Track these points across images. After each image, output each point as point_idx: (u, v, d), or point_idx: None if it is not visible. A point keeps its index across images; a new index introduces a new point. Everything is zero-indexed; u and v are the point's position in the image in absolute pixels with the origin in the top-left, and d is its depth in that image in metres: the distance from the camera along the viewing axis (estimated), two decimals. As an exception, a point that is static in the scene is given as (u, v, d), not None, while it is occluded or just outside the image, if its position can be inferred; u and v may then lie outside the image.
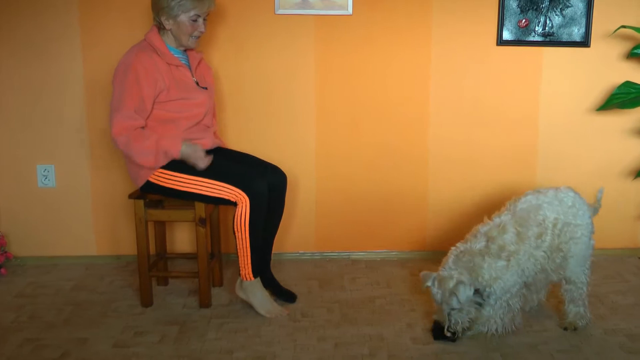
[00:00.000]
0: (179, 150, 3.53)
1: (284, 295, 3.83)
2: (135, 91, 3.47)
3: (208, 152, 3.72)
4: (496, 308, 3.33)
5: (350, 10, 4.24)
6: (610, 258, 4.58)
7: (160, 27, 3.64)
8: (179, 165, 3.58)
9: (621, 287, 4.11)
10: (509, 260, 3.26)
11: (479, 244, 3.32)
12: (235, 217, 3.56)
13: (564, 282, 3.48)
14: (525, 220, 3.33)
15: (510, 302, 3.35)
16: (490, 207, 4.45)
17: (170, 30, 3.61)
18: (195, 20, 3.59)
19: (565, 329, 3.52)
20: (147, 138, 3.50)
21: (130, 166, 3.69)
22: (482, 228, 3.39)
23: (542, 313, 3.70)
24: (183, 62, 3.70)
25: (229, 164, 3.70)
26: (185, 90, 3.62)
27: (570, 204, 3.39)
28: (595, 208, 3.60)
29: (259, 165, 3.82)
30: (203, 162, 3.55)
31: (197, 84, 3.73)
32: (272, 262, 3.92)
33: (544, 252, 3.32)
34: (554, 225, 3.33)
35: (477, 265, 3.27)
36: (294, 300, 3.84)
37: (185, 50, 3.75)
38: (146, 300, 3.80)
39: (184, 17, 3.56)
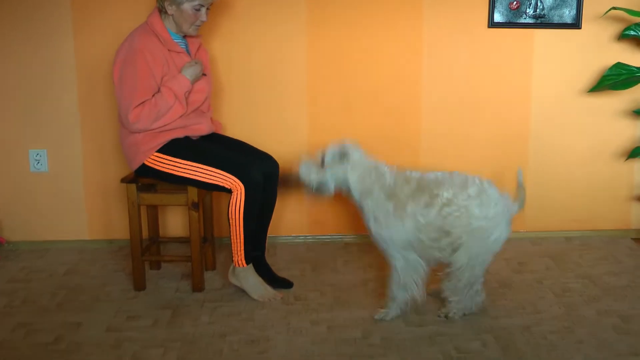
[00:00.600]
0: (188, 80, 3.58)
1: (279, 283, 3.82)
2: (147, 76, 3.48)
3: (204, 137, 3.72)
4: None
5: (342, -8, 4.24)
6: (604, 239, 4.61)
7: (162, 11, 3.63)
8: (176, 150, 3.59)
9: (614, 268, 4.12)
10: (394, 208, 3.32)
11: (386, 179, 3.38)
12: (230, 204, 3.56)
13: (449, 264, 3.40)
14: (425, 186, 3.34)
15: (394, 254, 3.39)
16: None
17: (172, 15, 3.60)
18: (198, 10, 3.58)
19: (439, 316, 3.47)
20: (159, 97, 3.51)
21: (126, 149, 3.68)
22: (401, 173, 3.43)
23: (535, 294, 3.72)
24: (182, 47, 3.70)
25: (225, 151, 3.70)
26: None
27: (474, 194, 3.30)
28: (520, 201, 3.52)
29: (253, 154, 3.81)
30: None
31: None
32: (266, 245, 3.92)
33: (425, 223, 3.30)
34: (445, 205, 3.28)
35: (372, 176, 3.38)
36: (290, 287, 3.84)
37: (184, 36, 3.74)
38: (139, 285, 3.81)
39: (187, 6, 3.55)
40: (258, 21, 4.29)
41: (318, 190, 3.41)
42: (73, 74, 4.29)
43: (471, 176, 3.36)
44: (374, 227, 3.39)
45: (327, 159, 3.37)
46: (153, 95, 3.51)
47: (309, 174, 3.39)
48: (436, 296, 3.58)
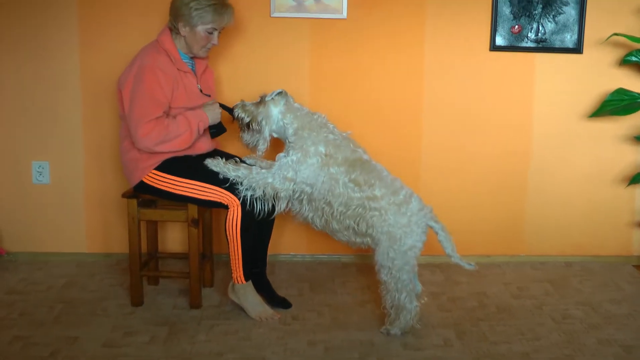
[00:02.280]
0: (207, 117, 3.63)
1: (278, 303, 3.82)
2: (159, 92, 3.49)
3: (205, 155, 3.73)
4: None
5: (344, 14, 4.26)
6: (604, 265, 4.58)
7: (174, 31, 3.66)
8: (173, 168, 3.60)
9: (616, 295, 4.09)
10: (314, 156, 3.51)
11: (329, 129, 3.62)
12: (227, 220, 3.56)
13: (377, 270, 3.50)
14: (365, 169, 3.53)
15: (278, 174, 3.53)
16: (482, 210, 4.48)
17: (184, 37, 3.63)
18: (210, 33, 3.63)
19: (381, 332, 3.53)
20: (172, 122, 3.53)
21: (125, 165, 3.70)
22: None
23: (535, 320, 3.71)
24: (190, 67, 3.72)
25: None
26: (188, 100, 3.64)
27: (397, 202, 3.46)
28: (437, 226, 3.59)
29: None
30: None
31: (201, 91, 3.75)
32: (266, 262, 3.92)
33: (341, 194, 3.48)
34: (370, 198, 3.45)
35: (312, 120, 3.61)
36: (289, 307, 3.83)
37: (193, 56, 3.76)
38: (136, 300, 3.80)
39: (200, 28, 3.59)
40: (263, 44, 4.32)
41: (250, 128, 3.63)
42: (78, 89, 4.31)
43: (407, 188, 3.54)
44: (292, 156, 3.53)
45: (267, 97, 3.61)
46: (165, 113, 3.53)
47: (244, 111, 3.63)
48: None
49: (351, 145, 3.62)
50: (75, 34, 4.25)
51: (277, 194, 3.53)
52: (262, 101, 3.65)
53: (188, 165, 3.63)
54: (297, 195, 3.56)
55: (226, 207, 3.57)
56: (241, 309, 3.69)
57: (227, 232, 3.58)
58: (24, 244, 4.50)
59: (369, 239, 3.51)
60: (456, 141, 4.47)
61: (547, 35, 4.34)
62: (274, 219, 3.85)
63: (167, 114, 3.57)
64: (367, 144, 4.35)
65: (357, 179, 3.48)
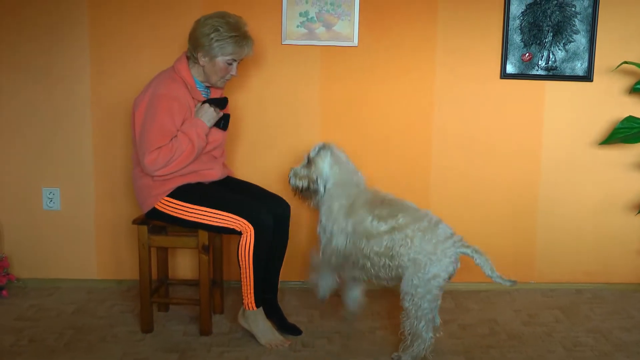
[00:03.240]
0: (202, 121, 3.61)
1: (289, 329, 3.81)
2: (169, 121, 3.51)
3: (217, 182, 3.74)
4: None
5: (355, 42, 4.28)
6: (615, 293, 4.57)
7: (191, 59, 3.67)
8: (186, 195, 3.61)
9: (626, 323, 4.08)
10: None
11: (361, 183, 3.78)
12: (240, 246, 3.57)
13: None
14: (388, 203, 3.64)
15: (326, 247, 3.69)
16: (492, 237, 4.47)
17: (203, 66, 3.64)
18: (230, 64, 3.64)
19: (392, 358, 3.56)
20: (175, 142, 3.53)
21: (138, 191, 3.71)
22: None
23: (545, 348, 3.68)
24: (204, 96, 3.74)
25: (235, 194, 3.73)
26: None
27: (422, 228, 3.49)
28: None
29: (264, 196, 3.83)
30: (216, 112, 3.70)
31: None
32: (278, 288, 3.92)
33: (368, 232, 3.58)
34: (395, 228, 3.52)
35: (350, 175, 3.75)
36: (299, 334, 3.82)
37: (208, 85, 3.77)
38: (146, 326, 3.80)
39: (220, 59, 3.60)
40: (274, 71, 4.35)
41: (307, 190, 3.73)
42: (88, 115, 4.34)
43: (431, 214, 3.59)
44: (324, 218, 3.69)
45: (311, 153, 3.70)
46: (171, 140, 3.54)
47: (298, 178, 3.74)
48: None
49: (375, 191, 3.75)
50: (87, 59, 4.29)
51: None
52: (309, 161, 3.74)
53: (201, 192, 3.65)
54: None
55: (239, 234, 3.57)
56: (251, 336, 3.69)
57: (240, 258, 3.58)
58: (35, 270, 4.50)
59: (400, 270, 3.51)
60: (466, 169, 4.48)
61: (557, 63, 4.35)
62: (286, 244, 3.86)
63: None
64: (377, 170, 4.39)
65: (381, 214, 3.55)
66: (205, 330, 3.77)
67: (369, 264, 3.57)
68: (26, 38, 4.25)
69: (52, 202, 4.42)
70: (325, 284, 3.82)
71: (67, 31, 4.26)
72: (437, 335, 3.60)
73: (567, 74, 4.38)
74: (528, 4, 4.30)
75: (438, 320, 3.68)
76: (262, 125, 4.36)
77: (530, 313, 4.17)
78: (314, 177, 3.69)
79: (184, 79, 3.62)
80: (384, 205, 3.60)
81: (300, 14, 4.26)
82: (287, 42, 4.28)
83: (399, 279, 3.53)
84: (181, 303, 4.03)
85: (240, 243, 3.56)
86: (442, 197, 4.48)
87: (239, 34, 3.59)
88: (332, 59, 4.33)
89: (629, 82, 4.39)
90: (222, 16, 3.60)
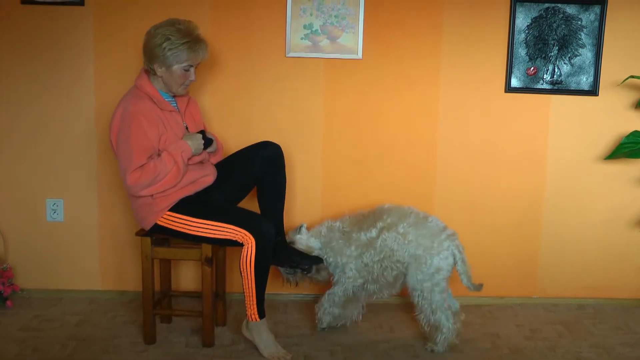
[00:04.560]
0: (189, 146, 3.61)
1: (307, 262, 3.89)
2: (142, 138, 3.49)
3: (211, 187, 3.78)
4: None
5: (360, 55, 4.29)
6: (618, 308, 4.55)
7: (150, 72, 3.67)
8: (186, 208, 3.62)
9: (629, 339, 4.06)
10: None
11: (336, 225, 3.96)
12: (241, 257, 3.57)
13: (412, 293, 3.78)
14: (370, 215, 3.88)
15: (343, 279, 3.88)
16: (495, 252, 4.47)
17: (161, 77, 3.64)
18: (187, 70, 3.63)
19: (426, 349, 3.78)
20: (159, 162, 3.52)
21: (137, 210, 3.70)
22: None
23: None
24: (173, 106, 3.74)
25: (236, 206, 3.77)
26: (177, 138, 3.64)
27: (412, 223, 3.73)
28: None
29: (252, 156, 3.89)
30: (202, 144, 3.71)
31: (187, 128, 3.77)
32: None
33: (364, 243, 3.80)
34: (384, 228, 3.75)
35: (324, 232, 3.95)
36: (310, 271, 3.95)
37: (174, 95, 3.78)
38: (149, 338, 3.80)
39: (177, 67, 3.59)
40: (278, 84, 4.35)
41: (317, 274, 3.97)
42: (92, 126, 4.35)
43: (416, 210, 3.84)
44: (332, 259, 3.88)
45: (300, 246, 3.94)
46: (151, 157, 3.53)
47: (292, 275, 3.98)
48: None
49: (350, 215, 4.00)
50: (91, 70, 4.31)
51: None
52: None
53: (201, 205, 3.66)
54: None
55: (241, 245, 3.57)
56: (254, 348, 3.69)
57: (242, 269, 3.58)
58: (38, 281, 4.51)
59: (399, 265, 3.71)
60: (470, 182, 4.48)
61: (562, 77, 4.35)
62: (284, 183, 3.91)
63: (158, 155, 3.58)
64: (381, 182, 4.40)
65: (367, 224, 3.78)
66: (207, 342, 3.77)
67: (375, 273, 3.76)
68: (31, 51, 4.27)
69: (55, 214, 4.43)
70: (333, 316, 3.99)
71: (73, 44, 4.27)
72: (462, 318, 3.83)
73: (572, 88, 4.37)
74: (534, 18, 4.30)
75: (456, 305, 3.92)
76: (265, 137, 4.34)
77: (533, 328, 4.16)
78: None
79: (148, 94, 3.61)
80: (366, 217, 3.84)
81: (305, 27, 4.27)
82: (291, 54, 4.29)
83: (402, 277, 3.76)
84: (184, 315, 4.02)
85: (242, 254, 3.56)
86: (446, 210, 4.47)
87: (190, 39, 3.58)
88: (336, 71, 4.34)
89: (634, 96, 4.39)
90: (172, 24, 3.59)
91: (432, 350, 3.71)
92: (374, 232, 3.75)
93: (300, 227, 3.98)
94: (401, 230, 3.69)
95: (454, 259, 3.70)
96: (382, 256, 3.73)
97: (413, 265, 3.65)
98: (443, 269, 3.64)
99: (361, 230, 3.80)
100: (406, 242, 3.67)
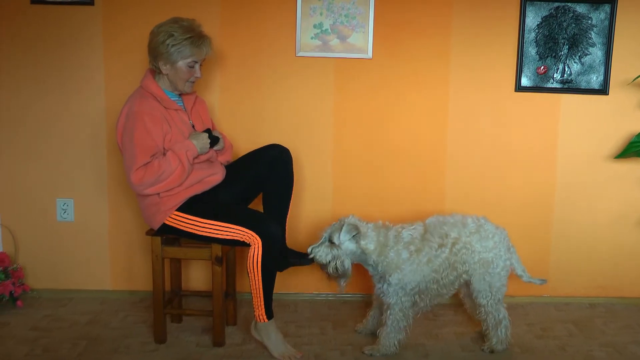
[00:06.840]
0: (194, 145, 3.61)
1: (300, 257, 3.82)
2: (146, 138, 3.50)
3: (219, 186, 3.78)
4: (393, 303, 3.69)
5: (370, 55, 4.29)
6: (629, 307, 4.54)
7: (156, 72, 3.69)
8: (194, 208, 3.62)
9: (640, 337, 4.07)
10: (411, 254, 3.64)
11: (393, 232, 3.72)
12: (248, 258, 3.56)
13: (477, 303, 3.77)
14: (432, 230, 3.71)
15: (403, 300, 3.67)
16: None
17: (167, 75, 3.66)
18: (192, 67, 3.64)
19: (482, 350, 3.79)
20: (163, 161, 3.52)
21: (145, 209, 3.70)
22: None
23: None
24: (179, 104, 3.75)
25: (243, 207, 3.77)
26: (183, 137, 3.65)
27: (473, 230, 3.70)
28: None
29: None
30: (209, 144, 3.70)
31: (194, 127, 3.77)
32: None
33: (440, 263, 3.66)
34: (454, 243, 3.66)
35: (382, 235, 3.67)
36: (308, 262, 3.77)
37: (180, 93, 3.78)
38: (160, 337, 3.81)
39: (181, 63, 3.60)
40: (288, 83, 4.35)
41: (336, 270, 3.62)
42: (102, 125, 4.36)
43: (468, 216, 3.80)
44: (396, 277, 3.62)
45: (342, 237, 3.59)
46: (155, 156, 3.53)
47: (326, 257, 3.60)
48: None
49: (405, 226, 3.78)
50: (101, 70, 4.31)
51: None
52: (338, 240, 3.63)
53: (209, 205, 3.66)
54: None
55: (248, 245, 3.57)
56: (264, 348, 3.69)
57: (249, 270, 3.58)
58: (48, 281, 4.52)
59: (465, 276, 3.72)
60: (480, 182, 4.47)
61: (572, 76, 4.34)
62: (291, 183, 3.88)
63: (163, 154, 3.59)
64: (391, 182, 4.39)
65: (434, 241, 3.67)
66: (218, 342, 3.77)
67: (442, 288, 3.73)
68: (41, 50, 4.28)
69: (66, 213, 4.44)
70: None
71: (83, 44, 4.28)
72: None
73: (582, 87, 4.36)
74: (544, 17, 4.29)
75: None
76: (275, 136, 4.36)
77: (544, 327, 4.15)
78: (344, 258, 3.62)
79: (153, 93, 3.62)
80: (431, 232, 3.70)
81: (315, 26, 4.27)
82: (301, 54, 4.29)
83: (459, 285, 3.81)
84: (194, 314, 4.03)
85: (249, 255, 3.56)
86: (458, 209, 4.44)
87: (193, 35, 3.59)
88: (346, 71, 4.34)
89: (645, 95, 4.39)
90: (175, 21, 3.61)
91: (492, 351, 3.74)
92: (446, 252, 3.66)
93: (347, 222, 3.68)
94: (466, 241, 3.67)
95: (511, 255, 3.80)
96: (456, 273, 3.69)
97: (480, 269, 3.68)
98: (506, 267, 3.72)
99: (432, 250, 3.65)
100: (472, 250, 3.67)
